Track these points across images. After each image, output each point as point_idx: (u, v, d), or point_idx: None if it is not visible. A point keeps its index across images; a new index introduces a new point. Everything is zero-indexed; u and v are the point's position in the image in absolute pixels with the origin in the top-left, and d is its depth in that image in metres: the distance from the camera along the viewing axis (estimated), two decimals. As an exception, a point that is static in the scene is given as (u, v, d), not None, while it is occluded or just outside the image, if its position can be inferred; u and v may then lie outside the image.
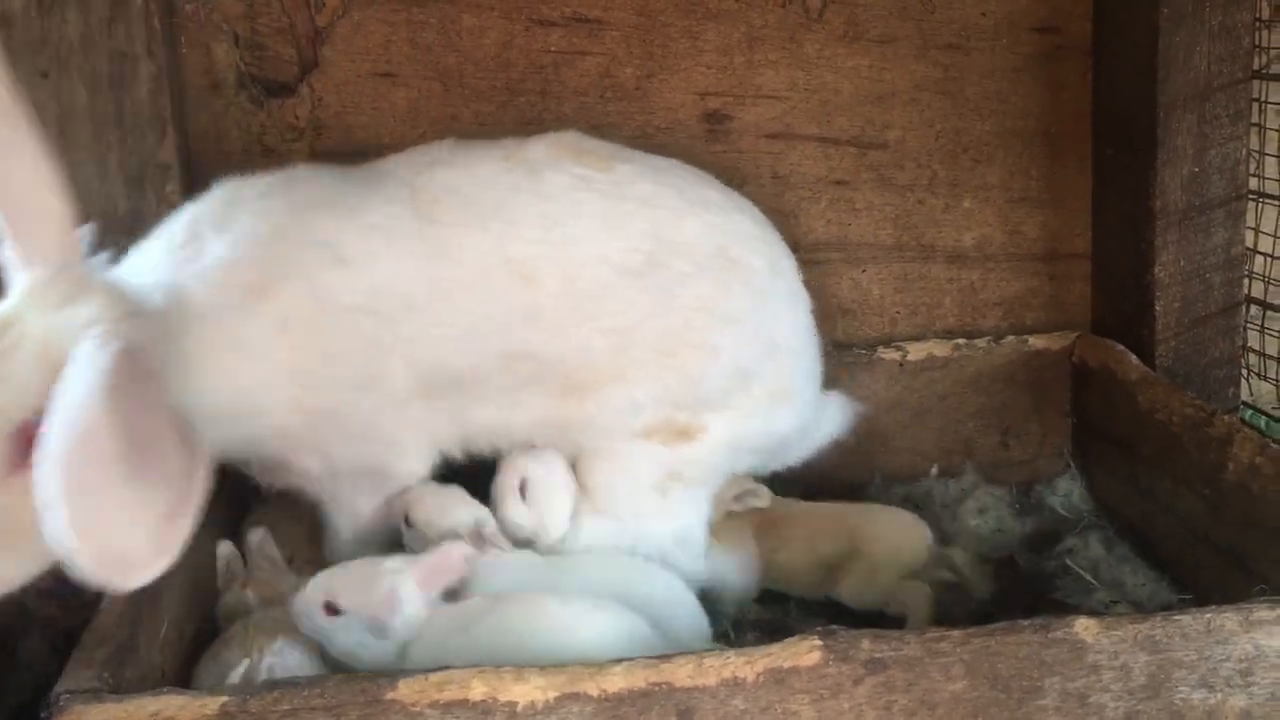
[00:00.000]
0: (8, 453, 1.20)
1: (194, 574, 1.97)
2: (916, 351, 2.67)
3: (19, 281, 1.38)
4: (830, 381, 2.66)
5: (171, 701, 1.49)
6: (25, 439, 1.21)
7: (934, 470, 2.68)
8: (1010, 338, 2.70)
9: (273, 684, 1.51)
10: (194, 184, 2.50)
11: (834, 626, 1.56)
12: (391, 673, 1.53)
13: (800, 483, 2.66)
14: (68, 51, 2.28)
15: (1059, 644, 1.53)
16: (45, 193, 1.34)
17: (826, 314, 2.72)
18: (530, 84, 2.60)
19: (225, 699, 1.48)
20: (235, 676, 1.77)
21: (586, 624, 1.79)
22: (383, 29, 2.55)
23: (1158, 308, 2.50)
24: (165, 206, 2.34)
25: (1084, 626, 1.54)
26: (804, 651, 1.52)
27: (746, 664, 1.52)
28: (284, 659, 1.81)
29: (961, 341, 2.69)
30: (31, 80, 2.27)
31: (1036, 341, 2.69)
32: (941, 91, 2.66)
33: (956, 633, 1.53)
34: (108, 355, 1.23)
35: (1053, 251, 2.75)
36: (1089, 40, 2.65)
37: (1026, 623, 1.55)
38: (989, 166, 2.71)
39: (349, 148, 2.59)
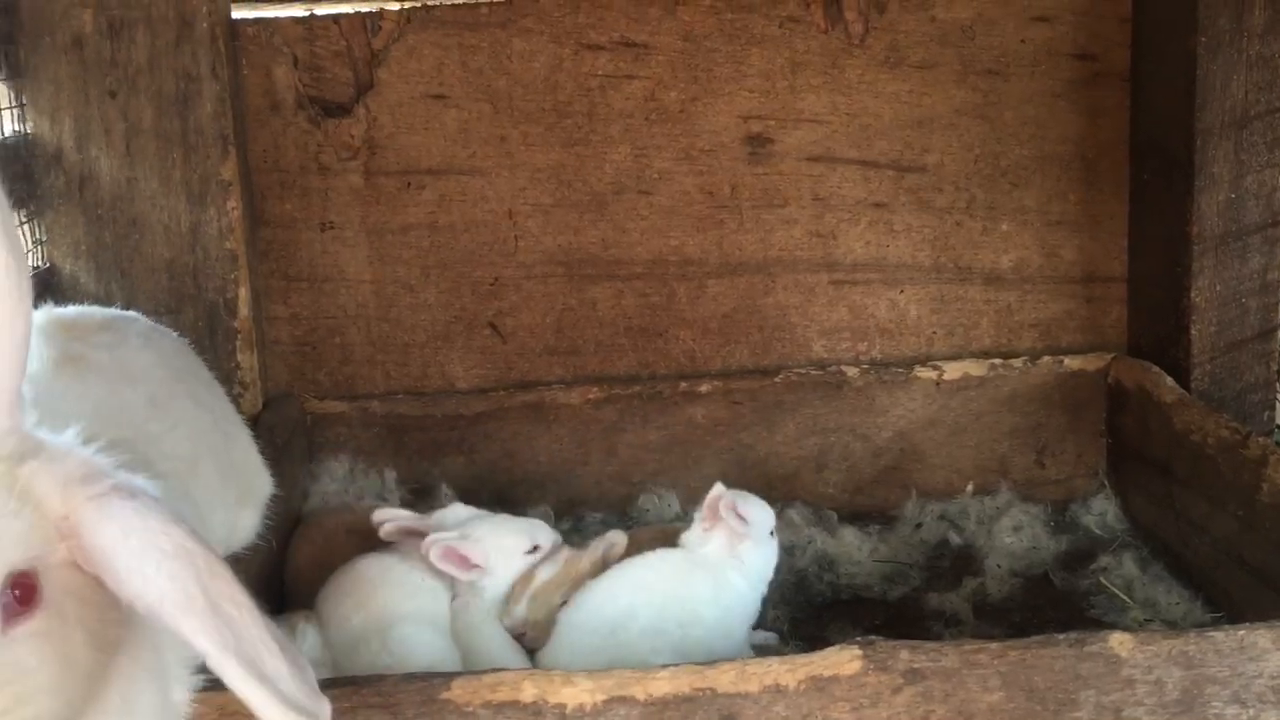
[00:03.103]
0: (5, 604, 1.06)
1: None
2: (953, 371, 2.72)
3: None
4: (867, 400, 2.72)
5: (231, 696, 1.55)
6: (20, 588, 1.07)
7: (969, 488, 2.72)
8: (1046, 358, 2.74)
9: (333, 681, 1.57)
10: (253, 200, 2.60)
11: (873, 637, 1.61)
12: (446, 673, 1.59)
13: (835, 500, 2.72)
14: (135, 72, 2.37)
15: (1094, 658, 1.57)
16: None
17: (864, 333, 2.78)
18: (577, 106, 2.68)
19: (288, 696, 1.53)
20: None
21: None
22: (436, 52, 2.63)
23: (1193, 331, 2.53)
24: (226, 221, 2.43)
25: (1119, 641, 1.57)
26: (845, 661, 1.57)
27: (788, 671, 1.57)
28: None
29: (998, 361, 2.73)
30: (101, 100, 2.37)
31: (1072, 362, 2.73)
32: (980, 116, 2.71)
33: (994, 645, 1.58)
34: (148, 507, 1.14)
35: (1089, 274, 2.79)
36: (1127, 67, 2.69)
37: (1063, 637, 1.59)
38: (1027, 190, 2.75)
39: (401, 167, 2.67)
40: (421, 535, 2.15)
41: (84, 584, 1.13)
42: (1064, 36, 2.70)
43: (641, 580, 2.15)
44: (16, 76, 2.32)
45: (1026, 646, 1.58)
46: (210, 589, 1.11)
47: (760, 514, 2.22)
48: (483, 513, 2.30)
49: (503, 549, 2.18)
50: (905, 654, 1.57)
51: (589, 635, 2.10)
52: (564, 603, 2.16)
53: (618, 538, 2.26)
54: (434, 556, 2.09)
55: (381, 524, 2.21)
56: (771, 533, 2.23)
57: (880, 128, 2.71)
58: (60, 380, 1.61)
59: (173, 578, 1.10)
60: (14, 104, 2.34)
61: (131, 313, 1.97)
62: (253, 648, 1.12)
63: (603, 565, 2.23)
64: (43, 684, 1.08)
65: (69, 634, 1.12)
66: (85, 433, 1.22)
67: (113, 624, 1.18)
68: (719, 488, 2.21)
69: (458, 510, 2.29)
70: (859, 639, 1.60)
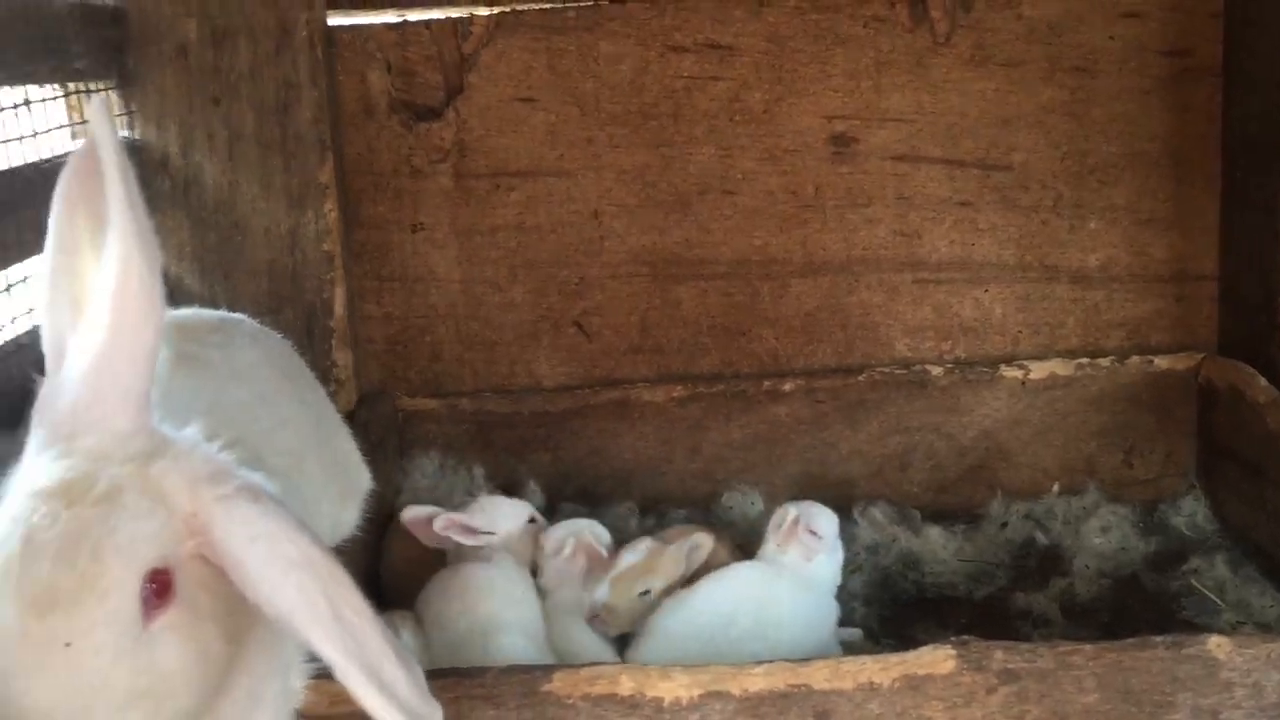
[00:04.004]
0: (145, 599, 1.09)
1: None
2: (1039, 370, 2.70)
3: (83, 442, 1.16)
4: (951, 399, 2.72)
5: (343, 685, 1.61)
6: (156, 583, 1.10)
7: (1055, 488, 2.70)
8: (1135, 358, 2.71)
9: (438, 672, 1.62)
10: (348, 203, 2.67)
11: (967, 637, 1.62)
12: (547, 666, 1.63)
13: (918, 499, 2.72)
14: (237, 80, 2.45)
15: (1192, 661, 1.57)
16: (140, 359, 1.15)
17: (948, 332, 2.78)
18: (663, 108, 2.71)
19: (395, 685, 1.59)
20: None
21: None
22: (524, 56, 2.68)
23: (1288, 330, 2.49)
24: (323, 224, 2.50)
25: (1217, 644, 1.57)
26: (939, 660, 1.59)
27: (882, 670, 1.59)
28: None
29: (1085, 361, 2.71)
30: (204, 107, 2.45)
31: (1162, 362, 2.70)
32: (1068, 114, 2.69)
33: (1089, 647, 1.58)
34: (272, 510, 1.17)
35: (1179, 273, 2.76)
36: (1218, 63, 2.66)
37: (1160, 639, 1.59)
38: (1115, 188, 2.73)
39: (490, 169, 2.73)
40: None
41: (211, 576, 1.17)
42: (1154, 32, 2.67)
43: (733, 589, 2.20)
44: (126, 84, 2.41)
45: (1123, 648, 1.58)
46: (334, 598, 1.14)
47: (829, 525, 2.27)
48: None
49: (504, 515, 2.34)
50: (1000, 654, 1.58)
51: (685, 641, 2.14)
52: (644, 592, 2.21)
53: (703, 539, 2.30)
54: (438, 526, 2.26)
55: (414, 520, 2.32)
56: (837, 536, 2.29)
57: (966, 126, 2.71)
58: (176, 379, 1.68)
59: (300, 589, 1.13)
60: (123, 111, 2.42)
61: (238, 315, 2.03)
62: (373, 656, 1.14)
63: (686, 564, 2.27)
64: (182, 676, 1.12)
65: (202, 626, 1.15)
66: (204, 430, 1.26)
67: (240, 614, 1.21)
68: (791, 510, 2.25)
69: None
70: (953, 639, 1.61)
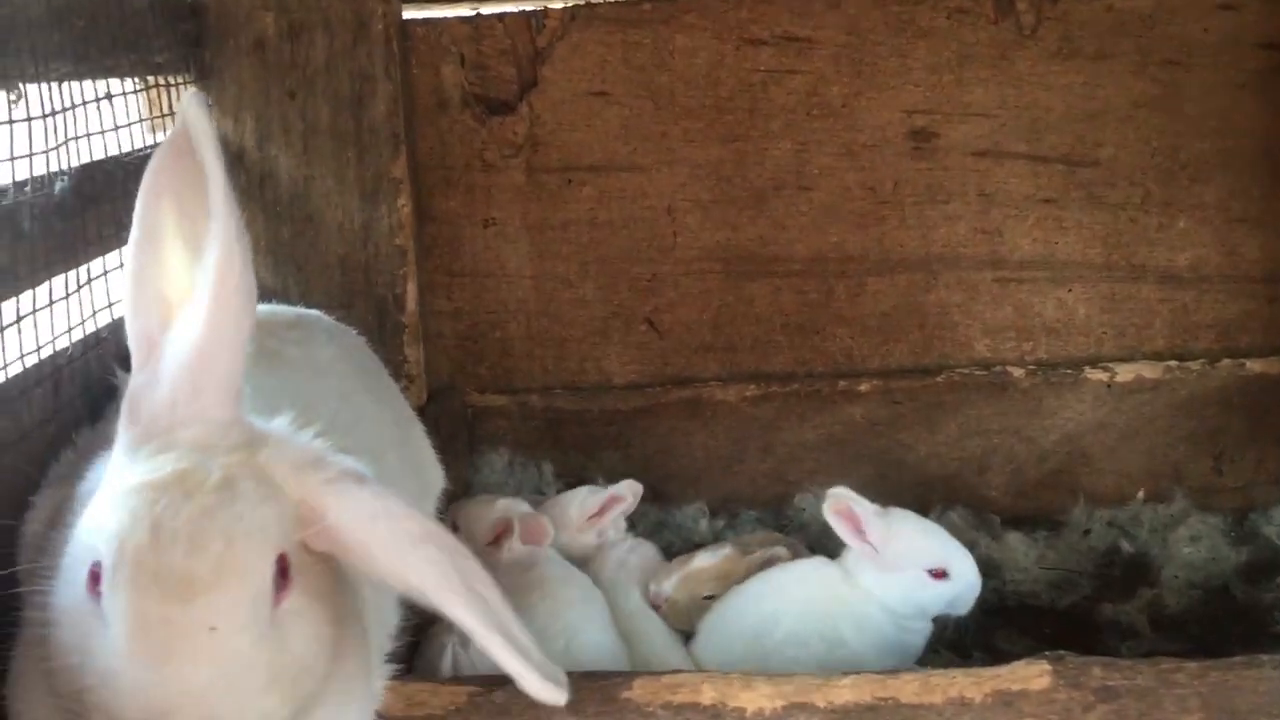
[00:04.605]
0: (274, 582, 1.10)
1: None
2: (1125, 373, 2.62)
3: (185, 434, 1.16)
4: (1033, 402, 2.64)
5: (421, 689, 1.59)
6: (279, 568, 1.11)
7: (1141, 494, 2.62)
8: (1226, 361, 2.62)
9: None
10: (420, 198, 2.65)
11: (1062, 651, 1.56)
12: (627, 673, 1.60)
13: (997, 504, 2.66)
14: (314, 73, 2.44)
15: (1303, 681, 1.50)
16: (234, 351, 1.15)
17: (1029, 333, 2.71)
18: (739, 102, 2.66)
19: (473, 689, 1.57)
20: (445, 662, 1.88)
21: None
22: (599, 49, 2.64)
23: (1388, 334, 2.40)
24: (396, 219, 2.49)
25: (1329, 665, 1.50)
26: (1034, 675, 1.53)
27: (974, 684, 1.54)
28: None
29: (1173, 364, 2.62)
30: (280, 100, 2.44)
31: (1254, 365, 2.61)
32: (1159, 109, 2.61)
33: (1193, 665, 1.51)
34: (382, 491, 1.18)
35: (1272, 273, 2.66)
36: (1318, 57, 2.56)
37: (1267, 658, 1.52)
38: (1207, 185, 2.64)
39: (562, 163, 2.70)
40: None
41: (314, 562, 1.18)
42: (1250, 25, 2.57)
43: (784, 587, 2.14)
44: (204, 78, 2.41)
45: (1229, 667, 1.51)
46: (463, 569, 1.16)
47: (913, 543, 2.08)
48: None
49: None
50: (1098, 670, 1.52)
51: (732, 639, 2.10)
52: (710, 597, 2.17)
53: (782, 553, 2.25)
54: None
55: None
56: (935, 571, 2.07)
57: (1051, 121, 2.63)
58: (257, 374, 1.68)
59: (431, 562, 1.14)
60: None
61: (315, 311, 2.03)
62: (507, 622, 1.17)
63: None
64: (309, 658, 1.13)
65: (317, 609, 1.16)
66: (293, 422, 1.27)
67: (341, 600, 1.23)
68: (837, 490, 2.10)
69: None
70: (1048, 653, 1.55)
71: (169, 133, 1.26)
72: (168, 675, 1.03)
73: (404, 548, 1.15)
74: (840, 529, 2.09)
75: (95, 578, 1.08)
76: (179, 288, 1.22)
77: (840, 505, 2.08)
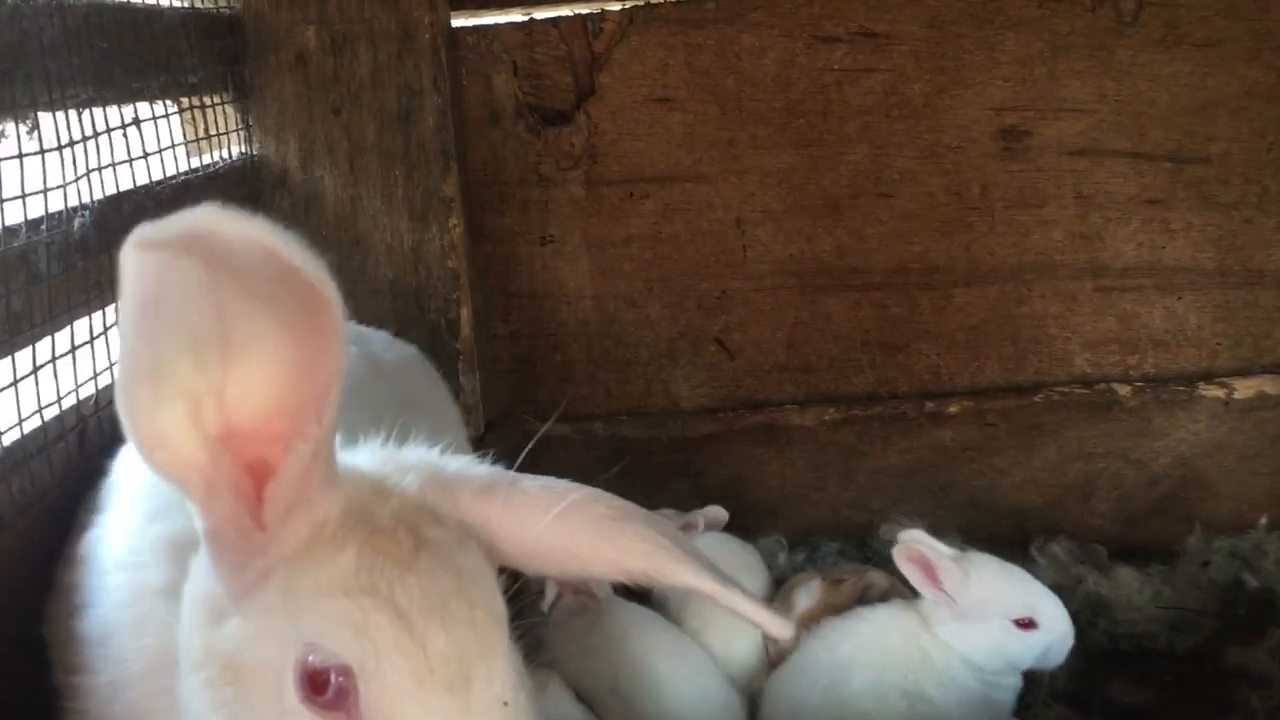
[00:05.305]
0: None
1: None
2: (1244, 389, 2.40)
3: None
4: (1141, 422, 2.43)
5: None
6: None
7: (1263, 522, 2.40)
8: (1357, 375, 2.39)
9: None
10: (472, 215, 2.50)
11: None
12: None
13: (1103, 534, 2.45)
14: (358, 88, 2.30)
15: None
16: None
17: (1135, 346, 2.50)
18: (811, 104, 2.48)
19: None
20: None
21: None
22: (660, 53, 2.47)
23: None
24: (448, 239, 2.34)
25: None
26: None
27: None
28: None
29: (1297, 378, 2.40)
30: (325, 118, 2.31)
31: (1389, 379, 2.37)
32: (1275, 98, 2.39)
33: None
34: (540, 483, 1.16)
35: (1406, 276, 2.42)
36: None
37: None
38: (1331, 182, 2.41)
39: (623, 175, 2.53)
40: None
41: None
42: (1378, 2, 2.34)
43: (859, 635, 1.95)
44: (243, 97, 2.28)
45: None
46: (670, 534, 1.13)
47: (994, 590, 1.88)
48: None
49: None
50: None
51: (806, 690, 1.93)
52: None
53: (878, 578, 2.08)
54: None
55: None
56: (1022, 621, 1.87)
57: (1155, 115, 2.42)
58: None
59: (642, 537, 1.11)
60: (240, 126, 2.30)
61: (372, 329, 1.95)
62: (728, 575, 1.14)
63: (860, 603, 2.06)
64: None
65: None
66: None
67: None
68: (908, 533, 1.91)
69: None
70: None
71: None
72: None
73: (608, 530, 1.10)
74: (913, 576, 1.90)
75: (317, 684, 0.98)
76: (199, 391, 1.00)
77: (912, 551, 1.89)
